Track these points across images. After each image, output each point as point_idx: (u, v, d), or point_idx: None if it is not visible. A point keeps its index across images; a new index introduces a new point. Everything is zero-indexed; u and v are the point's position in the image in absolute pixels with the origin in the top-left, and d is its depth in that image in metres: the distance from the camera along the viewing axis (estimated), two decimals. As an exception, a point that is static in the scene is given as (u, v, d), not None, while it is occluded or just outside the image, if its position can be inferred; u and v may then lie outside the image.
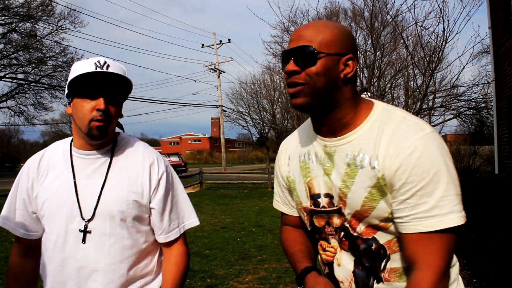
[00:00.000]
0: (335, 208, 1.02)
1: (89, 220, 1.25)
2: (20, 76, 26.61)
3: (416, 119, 0.98)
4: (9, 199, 1.37)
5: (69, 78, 1.24)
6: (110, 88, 1.25)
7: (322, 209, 1.04)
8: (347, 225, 1.01)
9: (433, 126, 16.43)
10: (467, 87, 11.55)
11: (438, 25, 11.82)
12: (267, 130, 34.76)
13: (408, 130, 0.94)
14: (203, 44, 31.04)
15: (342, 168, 1.00)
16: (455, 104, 11.59)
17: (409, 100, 11.91)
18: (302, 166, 1.10)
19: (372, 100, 1.06)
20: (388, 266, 0.99)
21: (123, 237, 1.27)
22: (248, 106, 33.85)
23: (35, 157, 1.38)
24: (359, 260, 1.01)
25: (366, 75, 11.99)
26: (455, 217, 0.88)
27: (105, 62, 1.23)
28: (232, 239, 6.63)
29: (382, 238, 0.99)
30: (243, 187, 17.15)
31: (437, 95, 11.79)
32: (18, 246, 1.41)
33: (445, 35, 9.34)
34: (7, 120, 29.62)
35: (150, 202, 1.32)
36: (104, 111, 1.21)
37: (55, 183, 1.30)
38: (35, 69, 26.73)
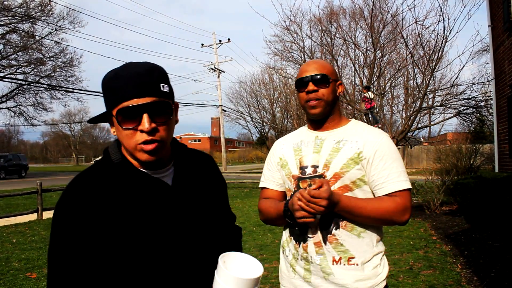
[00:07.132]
0: (317, 174, 1.54)
1: None
2: (20, 76, 26.57)
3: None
4: None
5: None
6: None
7: (308, 175, 1.56)
8: None
9: (433, 124, 16.39)
10: (467, 85, 11.51)
11: (438, 23, 11.83)
12: (267, 130, 34.74)
13: (378, 131, 1.62)
14: (202, 44, 31.04)
15: (330, 147, 1.57)
16: (455, 103, 11.56)
17: (409, 99, 11.89)
18: (295, 149, 1.65)
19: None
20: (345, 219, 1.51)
21: None
22: (248, 106, 33.81)
23: None
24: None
25: (366, 74, 11.96)
26: (409, 183, 1.53)
27: None
28: (233, 238, 6.62)
29: None
30: (243, 186, 17.13)
31: (437, 94, 11.75)
32: None
33: (445, 33, 9.34)
34: (7, 120, 29.62)
35: None
36: None
37: None
38: (35, 70, 26.70)
